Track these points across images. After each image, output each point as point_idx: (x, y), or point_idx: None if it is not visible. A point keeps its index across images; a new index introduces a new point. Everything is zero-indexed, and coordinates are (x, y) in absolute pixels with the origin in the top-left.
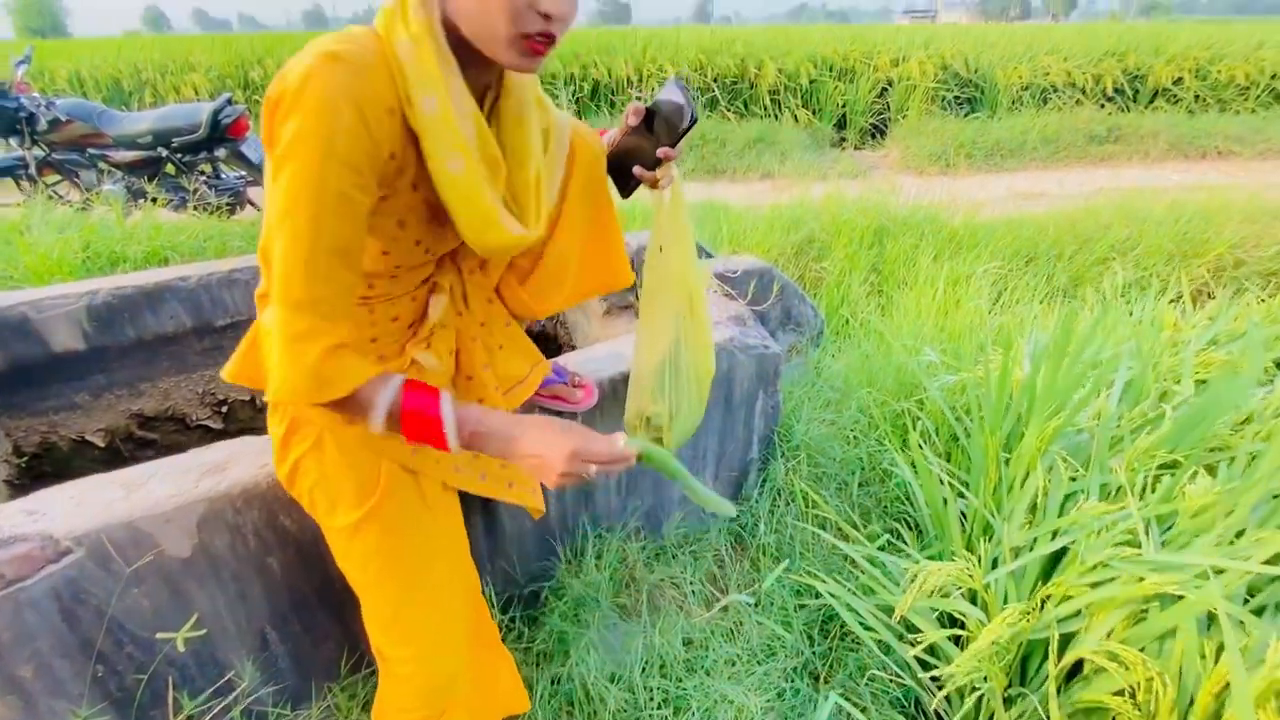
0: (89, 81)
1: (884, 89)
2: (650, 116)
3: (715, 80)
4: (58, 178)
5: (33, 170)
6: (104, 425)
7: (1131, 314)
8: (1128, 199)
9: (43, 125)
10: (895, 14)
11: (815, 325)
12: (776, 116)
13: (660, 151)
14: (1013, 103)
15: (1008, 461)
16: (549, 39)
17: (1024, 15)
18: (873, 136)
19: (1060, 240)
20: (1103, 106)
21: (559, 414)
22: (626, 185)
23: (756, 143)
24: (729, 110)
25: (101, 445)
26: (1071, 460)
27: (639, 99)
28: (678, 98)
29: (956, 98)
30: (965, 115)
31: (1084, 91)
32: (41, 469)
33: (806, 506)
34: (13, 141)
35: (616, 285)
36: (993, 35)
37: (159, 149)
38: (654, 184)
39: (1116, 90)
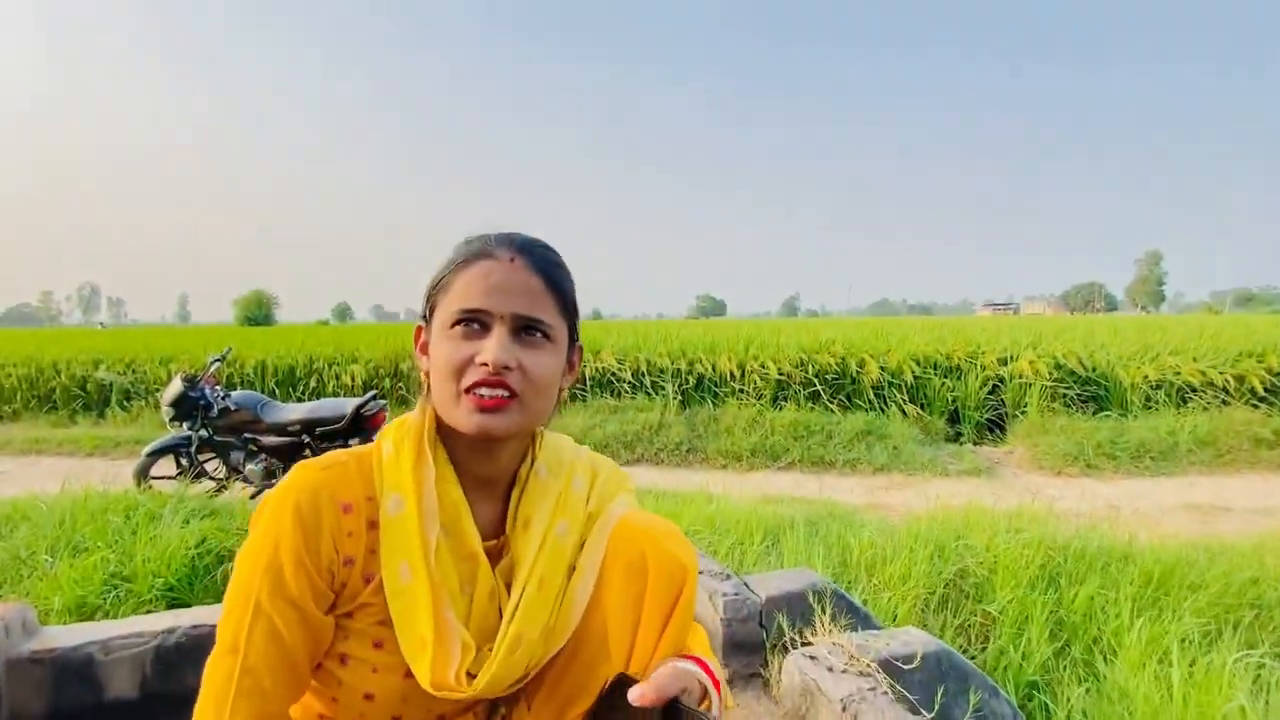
0: (270, 369)
1: (995, 385)
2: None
3: (816, 375)
4: (211, 455)
5: (193, 449)
6: None
7: None
8: None
9: (214, 413)
10: (976, 306)
11: None
12: (882, 410)
13: None
14: (1145, 401)
15: None
16: (499, 387)
17: (1109, 308)
18: (990, 431)
19: None
20: (1256, 407)
21: None
22: None
23: (865, 435)
24: (831, 402)
25: None
26: None
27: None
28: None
29: (1079, 395)
30: (1093, 413)
31: (1227, 391)
32: None
33: None
34: (184, 425)
35: None
36: (1099, 332)
37: (303, 436)
38: None
39: (1268, 390)
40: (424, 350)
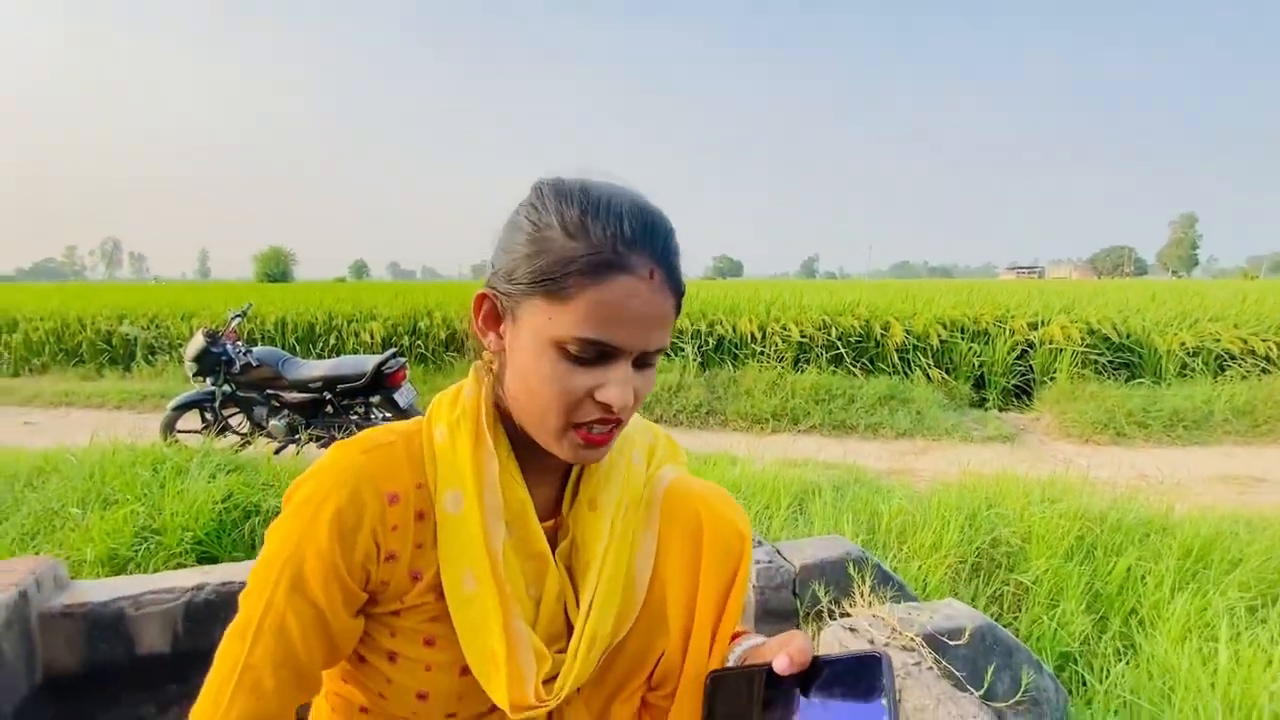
0: (289, 326)
1: (1023, 350)
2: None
3: (839, 338)
4: (235, 410)
5: (217, 404)
6: None
7: None
8: None
9: (236, 368)
10: (999, 269)
11: (1057, 703)
12: (906, 374)
13: None
14: (1181, 369)
15: None
16: (611, 424)
17: (1138, 272)
18: (1016, 397)
19: None
20: None
21: None
22: None
23: (888, 399)
24: (854, 366)
25: None
26: None
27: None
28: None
29: (1111, 362)
30: (1125, 381)
31: (1269, 360)
32: None
33: None
34: (208, 380)
35: None
36: (1134, 298)
37: (324, 393)
38: None
39: None
40: (490, 325)
